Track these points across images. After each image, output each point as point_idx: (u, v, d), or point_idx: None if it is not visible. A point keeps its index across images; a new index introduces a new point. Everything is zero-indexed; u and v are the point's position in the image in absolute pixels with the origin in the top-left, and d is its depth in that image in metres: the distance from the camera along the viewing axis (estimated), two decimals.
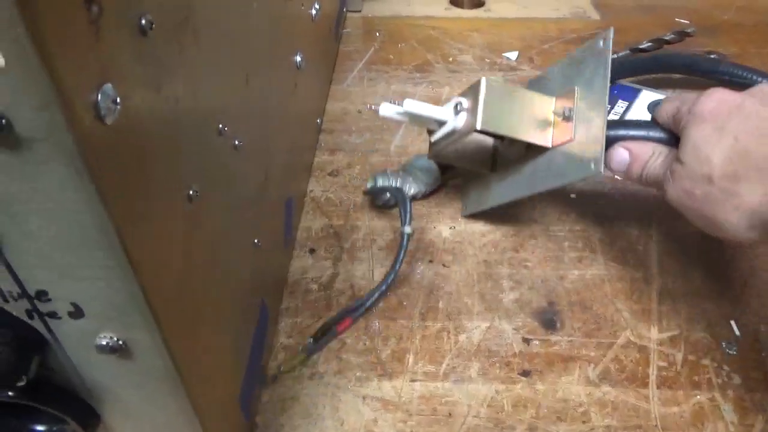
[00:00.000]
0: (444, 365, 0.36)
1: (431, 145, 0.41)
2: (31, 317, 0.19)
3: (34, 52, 0.13)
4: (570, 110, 0.37)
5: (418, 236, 0.45)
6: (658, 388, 0.35)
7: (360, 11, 0.77)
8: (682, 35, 0.70)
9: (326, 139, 0.55)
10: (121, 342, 0.20)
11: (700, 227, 0.32)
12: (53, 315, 0.19)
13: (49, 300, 0.18)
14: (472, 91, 0.38)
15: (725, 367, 0.36)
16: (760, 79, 0.52)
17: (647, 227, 0.45)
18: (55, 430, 0.24)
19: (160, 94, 0.19)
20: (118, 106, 0.16)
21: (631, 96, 0.54)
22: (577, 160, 0.36)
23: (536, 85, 0.43)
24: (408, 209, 0.39)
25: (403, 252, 0.38)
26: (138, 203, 0.18)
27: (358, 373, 0.36)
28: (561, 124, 0.38)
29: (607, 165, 0.35)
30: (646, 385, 0.35)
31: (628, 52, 0.67)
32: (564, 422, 0.33)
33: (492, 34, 0.72)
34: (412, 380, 0.35)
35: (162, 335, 0.20)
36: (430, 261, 0.43)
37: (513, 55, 0.67)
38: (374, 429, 0.33)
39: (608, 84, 0.35)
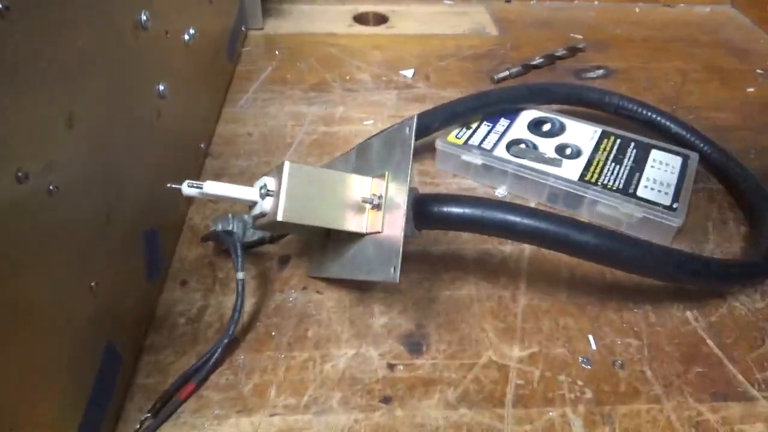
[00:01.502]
0: (306, 397, 0.36)
1: (252, 218, 0.38)
2: None
3: None
4: (379, 199, 0.35)
5: (294, 263, 0.45)
6: (513, 407, 0.36)
7: (262, 29, 0.77)
8: (574, 51, 0.73)
9: (212, 163, 0.54)
10: None
11: None
12: None
13: None
14: (278, 173, 0.35)
15: (579, 382, 0.37)
16: (646, 112, 0.54)
17: (520, 244, 0.46)
18: None
19: None
20: None
21: (512, 114, 0.56)
22: (384, 258, 0.34)
23: (361, 153, 0.40)
24: (239, 254, 0.39)
25: (240, 300, 0.37)
26: None
27: (216, 411, 0.35)
28: (372, 212, 0.36)
29: None
30: (502, 404, 0.36)
31: (521, 68, 0.69)
32: None
33: (392, 51, 0.73)
34: (272, 414, 0.35)
35: None
36: (304, 288, 0.43)
37: (409, 73, 0.68)
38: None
39: (409, 175, 0.33)
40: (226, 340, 0.37)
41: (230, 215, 0.44)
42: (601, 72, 0.70)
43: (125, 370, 0.36)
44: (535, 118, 0.55)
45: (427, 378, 0.37)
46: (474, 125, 0.54)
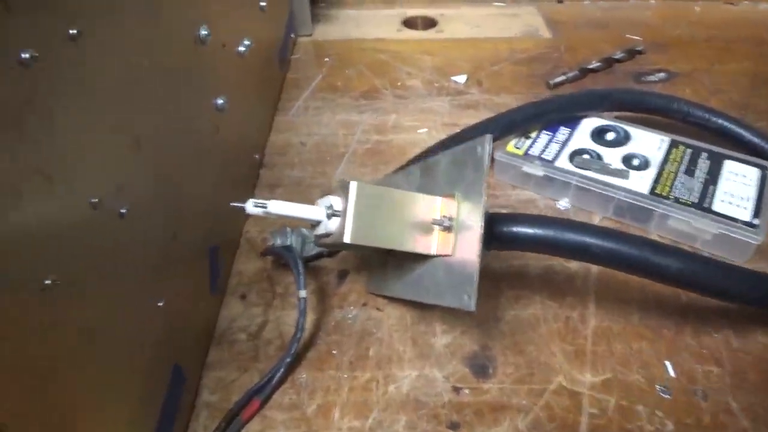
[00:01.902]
0: (370, 420, 0.35)
1: (315, 236, 0.37)
2: None
3: None
4: (450, 221, 0.34)
5: (353, 277, 0.44)
6: None
7: (311, 35, 0.76)
8: (632, 53, 0.70)
9: (266, 174, 0.53)
10: None
11: None
12: None
13: None
14: (344, 193, 0.33)
15: (658, 413, 0.35)
16: (716, 119, 0.51)
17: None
18: None
19: None
20: None
21: (573, 122, 0.53)
22: (455, 283, 0.32)
23: (426, 171, 0.38)
24: (300, 271, 0.38)
25: (303, 318, 0.36)
26: None
27: (281, 431, 0.34)
28: (442, 234, 0.34)
29: None
30: None
31: (577, 72, 0.66)
32: None
33: (443, 56, 0.71)
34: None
35: None
36: (364, 304, 0.42)
37: (461, 79, 0.66)
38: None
39: (484, 197, 0.32)
40: (288, 359, 0.36)
41: (288, 229, 0.43)
42: (662, 75, 0.67)
43: (189, 389, 0.35)
44: (597, 127, 0.53)
45: (495, 403, 0.35)
46: (533, 134, 0.52)
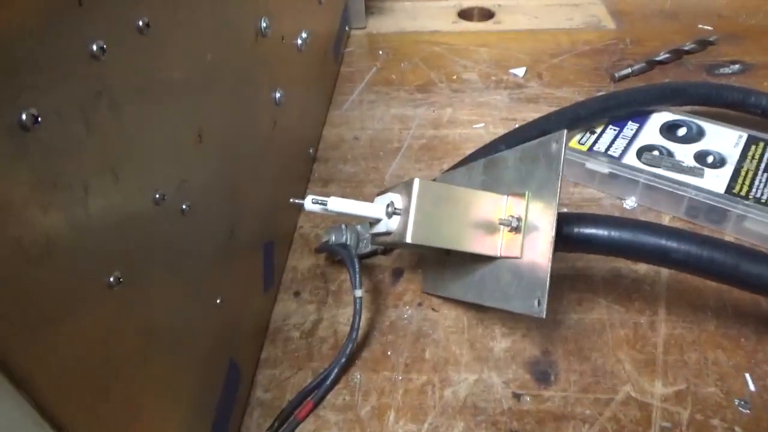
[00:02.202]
0: (426, 424, 0.34)
1: (372, 235, 0.36)
2: None
3: None
4: (519, 221, 0.32)
5: (408, 276, 0.43)
6: None
7: (364, 28, 0.75)
8: (704, 44, 0.66)
9: (320, 169, 0.53)
10: None
11: None
12: None
13: None
14: (406, 191, 0.32)
15: (737, 429, 0.32)
16: None
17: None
18: None
19: (56, 188, 0.17)
20: None
21: (642, 116, 0.51)
22: (523, 287, 0.30)
23: (490, 167, 0.36)
24: (356, 269, 0.36)
25: (358, 318, 0.35)
26: (31, 307, 0.16)
27: (334, 431, 0.34)
28: (508, 235, 0.32)
29: None
30: None
31: (644, 65, 0.63)
32: None
33: (500, 48, 0.69)
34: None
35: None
36: (419, 304, 0.41)
37: (520, 72, 0.64)
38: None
39: (558, 196, 0.30)
40: (343, 359, 0.35)
41: (343, 226, 0.42)
42: (736, 67, 0.63)
43: (244, 385, 0.35)
44: (668, 122, 0.50)
45: (557, 412, 0.34)
46: (599, 129, 0.50)
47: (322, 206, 0.33)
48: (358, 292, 0.36)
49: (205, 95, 0.28)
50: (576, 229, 0.32)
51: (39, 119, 0.16)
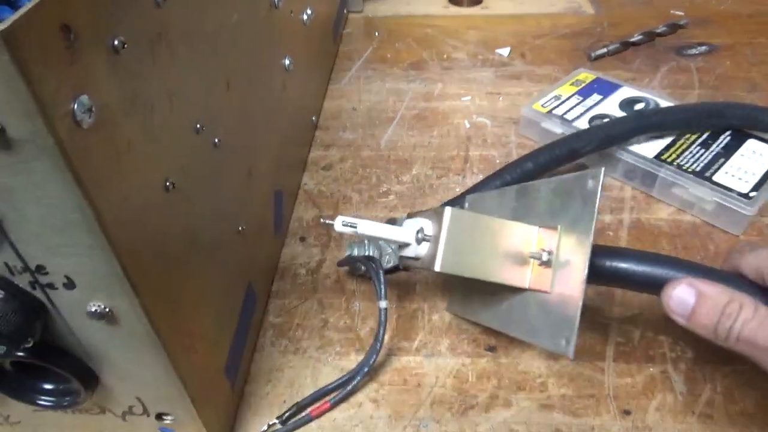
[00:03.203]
0: (417, 341, 0.39)
1: (401, 257, 0.36)
2: (33, 288, 0.23)
3: (17, 73, 0.16)
4: (549, 255, 0.31)
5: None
6: (614, 361, 0.37)
7: (361, 11, 0.80)
8: (675, 27, 0.72)
9: (322, 135, 0.58)
10: (107, 309, 0.23)
11: None
12: (51, 286, 0.23)
13: (47, 273, 0.22)
14: (437, 218, 0.32)
15: (680, 343, 0.38)
16: None
17: (619, 213, 0.47)
18: (60, 388, 0.28)
19: (135, 102, 0.22)
20: (93, 114, 0.19)
21: (608, 90, 0.56)
22: (551, 323, 0.30)
23: (522, 195, 0.36)
24: (382, 281, 0.36)
25: (383, 329, 0.35)
26: (113, 193, 0.21)
27: (338, 348, 0.39)
28: (539, 269, 0.32)
29: (664, 303, 0.29)
30: (603, 359, 0.38)
31: (618, 45, 0.69)
32: (523, 391, 0.36)
33: (487, 30, 0.75)
34: (387, 354, 0.38)
35: (141, 305, 0.23)
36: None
37: (505, 51, 0.70)
38: (349, 397, 0.36)
39: (592, 234, 0.29)
40: (366, 369, 0.36)
41: (366, 240, 0.42)
42: (703, 48, 0.69)
43: (259, 310, 0.40)
44: (629, 97, 0.55)
45: None
46: (564, 95, 0.56)
47: (351, 228, 0.33)
48: (383, 303, 0.36)
49: (232, 50, 0.34)
50: (608, 263, 0.32)
51: (125, 45, 0.21)
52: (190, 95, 0.28)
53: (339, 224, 0.33)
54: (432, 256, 0.31)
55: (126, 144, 0.22)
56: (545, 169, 0.46)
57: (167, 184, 0.25)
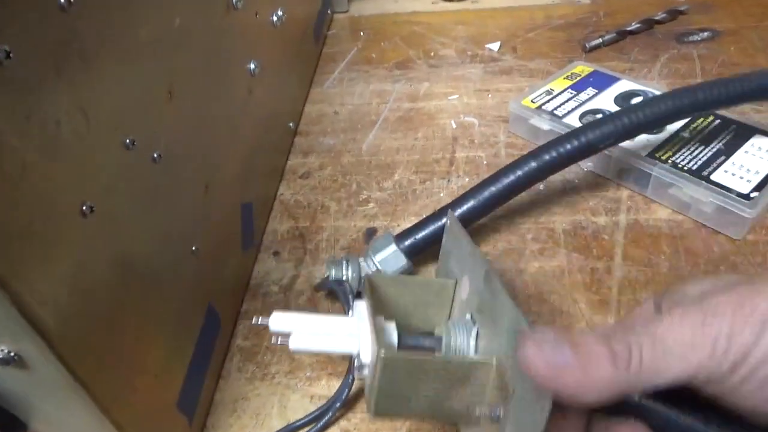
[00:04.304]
0: None
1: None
2: None
3: None
4: (498, 411, 0.25)
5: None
6: None
7: (347, 11, 0.78)
8: (675, 14, 0.68)
9: (301, 141, 0.55)
10: (12, 354, 0.21)
11: None
12: None
13: None
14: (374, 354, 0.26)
15: None
16: None
17: (614, 214, 0.44)
18: None
19: (29, 120, 0.20)
20: None
21: (604, 84, 0.53)
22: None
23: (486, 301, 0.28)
24: (351, 305, 0.33)
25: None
26: (8, 223, 0.19)
27: (308, 373, 0.36)
28: (487, 424, 0.26)
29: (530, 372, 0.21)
30: None
31: (615, 35, 0.65)
32: None
33: (477, 25, 0.71)
34: (360, 379, 0.35)
35: (51, 349, 0.21)
36: None
37: (495, 46, 0.66)
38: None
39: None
40: (338, 404, 0.33)
41: (345, 260, 0.39)
42: (706, 35, 0.65)
43: (224, 333, 0.38)
44: (626, 91, 0.52)
45: None
46: (557, 90, 0.52)
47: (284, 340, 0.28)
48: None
49: (175, 57, 0.31)
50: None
51: (11, 55, 0.19)
52: (116, 108, 0.25)
53: (274, 324, 0.28)
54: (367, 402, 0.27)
55: (20, 167, 0.19)
56: (551, 169, 0.39)
57: (83, 208, 0.23)
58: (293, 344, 0.28)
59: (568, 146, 0.38)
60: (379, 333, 0.27)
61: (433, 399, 0.26)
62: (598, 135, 0.38)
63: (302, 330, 0.28)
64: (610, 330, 0.22)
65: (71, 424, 0.25)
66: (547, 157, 0.38)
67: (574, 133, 0.38)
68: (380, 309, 0.30)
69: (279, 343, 0.28)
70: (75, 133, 0.22)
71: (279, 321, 0.28)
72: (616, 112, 0.39)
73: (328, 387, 0.35)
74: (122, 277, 0.26)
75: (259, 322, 0.28)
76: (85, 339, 0.23)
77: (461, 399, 0.26)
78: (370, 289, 0.30)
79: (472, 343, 0.29)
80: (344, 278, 0.38)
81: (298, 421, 0.33)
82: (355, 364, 0.28)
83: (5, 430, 0.24)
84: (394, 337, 0.29)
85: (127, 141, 0.26)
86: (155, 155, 0.28)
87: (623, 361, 0.21)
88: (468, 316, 0.30)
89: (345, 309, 0.35)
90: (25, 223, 0.20)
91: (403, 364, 0.25)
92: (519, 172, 0.38)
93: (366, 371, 0.27)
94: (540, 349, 0.21)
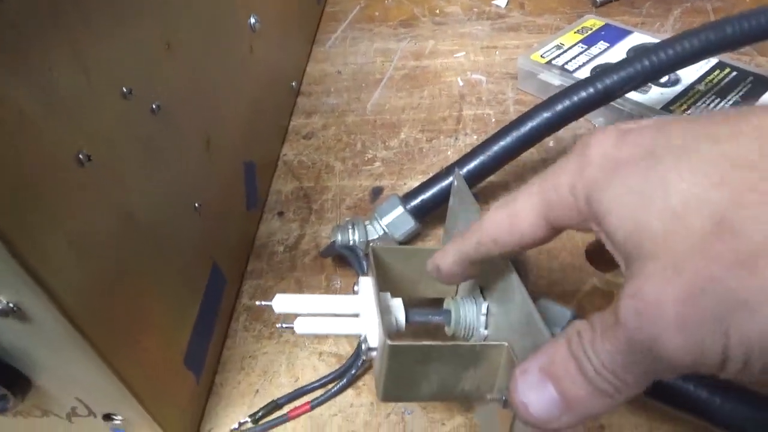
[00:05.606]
0: None
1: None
2: None
3: None
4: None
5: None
6: None
7: None
8: None
9: (303, 102, 0.54)
10: (12, 305, 0.20)
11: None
12: None
13: None
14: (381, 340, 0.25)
15: None
16: None
17: None
18: None
19: (27, 61, 0.19)
20: None
21: (616, 37, 0.51)
22: None
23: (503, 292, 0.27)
24: (365, 269, 0.32)
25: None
26: (10, 169, 0.18)
27: None
28: (499, 408, 0.25)
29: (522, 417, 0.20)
30: None
31: None
32: None
33: None
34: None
35: (51, 300, 0.20)
36: None
37: (502, 2, 0.64)
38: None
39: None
40: (354, 371, 0.33)
41: (350, 225, 0.38)
42: None
43: (230, 292, 0.37)
44: (640, 44, 0.50)
45: None
46: (567, 44, 0.51)
47: (288, 326, 0.28)
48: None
49: (173, 7, 0.30)
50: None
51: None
52: (113, 56, 0.24)
53: (277, 306, 0.28)
54: (376, 385, 0.26)
55: (17, 114, 0.18)
56: (564, 119, 0.37)
57: (80, 156, 0.22)
58: (299, 329, 0.27)
59: (583, 93, 0.36)
60: (385, 316, 0.26)
61: (442, 382, 0.25)
62: (616, 80, 0.35)
63: (306, 311, 0.28)
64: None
65: (75, 377, 0.24)
66: (559, 106, 0.36)
67: (590, 79, 0.37)
68: (386, 280, 0.29)
69: (284, 327, 0.28)
70: (71, 81, 0.21)
71: (282, 303, 0.28)
72: (635, 55, 0.37)
73: (336, 344, 0.35)
74: (123, 229, 0.25)
75: (262, 304, 0.28)
76: (85, 290, 0.22)
77: (472, 381, 0.25)
78: (375, 261, 0.29)
79: (482, 319, 0.28)
80: (351, 242, 0.37)
81: (309, 384, 0.33)
82: (363, 347, 0.27)
83: (9, 387, 0.24)
84: (402, 315, 0.28)
85: (124, 90, 0.25)
86: (154, 106, 0.27)
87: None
88: (477, 289, 0.29)
89: (357, 273, 0.34)
90: (22, 174, 0.19)
91: (411, 352, 0.24)
92: (531, 124, 0.37)
93: (374, 354, 0.26)
94: (526, 396, 0.19)
